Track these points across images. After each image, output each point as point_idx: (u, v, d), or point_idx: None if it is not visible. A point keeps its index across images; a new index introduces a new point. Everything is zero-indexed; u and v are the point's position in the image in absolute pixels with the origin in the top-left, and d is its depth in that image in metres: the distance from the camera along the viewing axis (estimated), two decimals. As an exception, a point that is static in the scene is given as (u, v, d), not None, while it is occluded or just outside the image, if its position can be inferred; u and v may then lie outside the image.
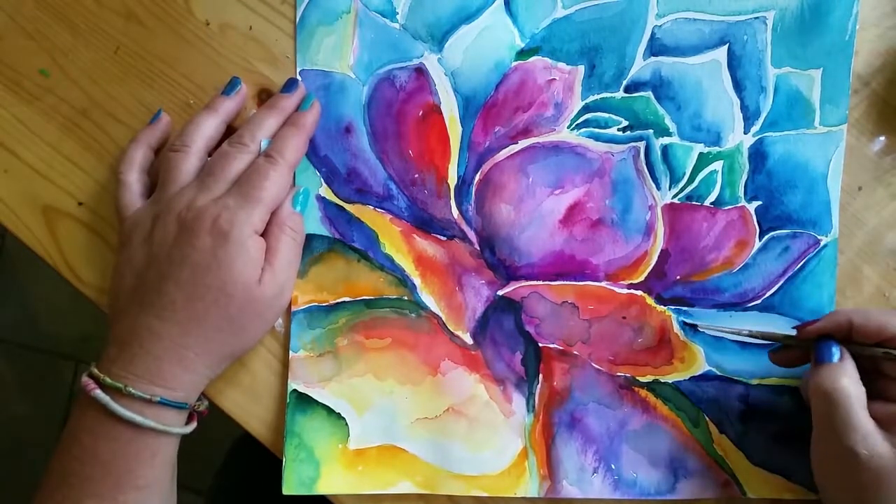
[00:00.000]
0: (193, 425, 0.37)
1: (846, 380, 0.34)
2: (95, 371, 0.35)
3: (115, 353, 0.35)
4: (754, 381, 0.41)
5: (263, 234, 0.37)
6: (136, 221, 0.38)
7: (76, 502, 0.34)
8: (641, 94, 0.41)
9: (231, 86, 0.40)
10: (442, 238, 0.41)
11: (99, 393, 0.34)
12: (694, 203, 0.41)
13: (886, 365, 0.36)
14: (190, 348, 0.35)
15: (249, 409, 0.41)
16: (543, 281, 0.41)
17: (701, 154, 0.41)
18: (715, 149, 0.41)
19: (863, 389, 0.35)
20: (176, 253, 0.35)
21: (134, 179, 0.39)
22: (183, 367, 0.35)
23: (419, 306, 0.41)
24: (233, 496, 0.61)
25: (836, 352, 0.36)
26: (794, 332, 0.38)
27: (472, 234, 0.41)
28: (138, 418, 0.34)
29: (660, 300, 0.41)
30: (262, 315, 0.37)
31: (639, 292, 0.41)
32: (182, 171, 0.38)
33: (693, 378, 0.41)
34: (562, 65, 0.41)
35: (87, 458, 0.34)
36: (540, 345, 0.41)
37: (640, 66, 0.41)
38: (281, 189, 0.37)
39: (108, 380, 0.34)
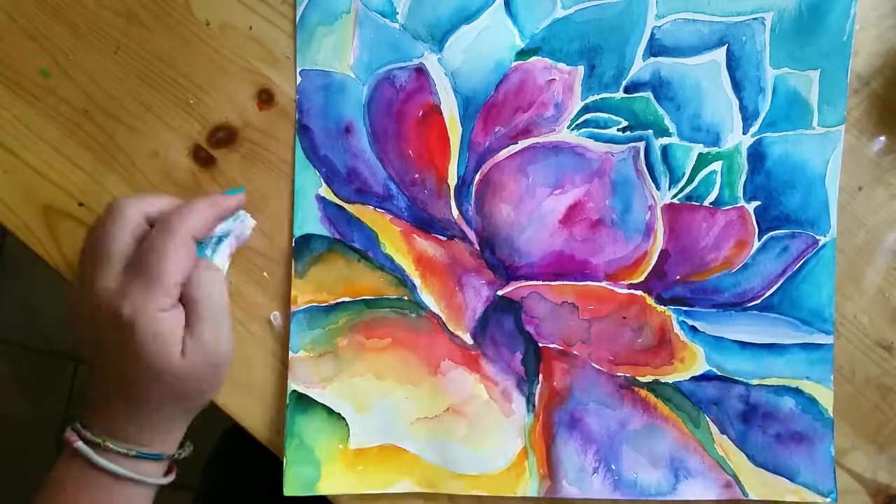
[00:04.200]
0: (172, 476, 0.39)
1: None
2: (78, 426, 0.37)
3: (93, 413, 0.37)
4: (754, 382, 0.41)
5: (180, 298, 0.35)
6: (78, 297, 0.37)
7: None
8: (641, 94, 0.41)
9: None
10: (442, 238, 0.41)
11: (81, 445, 0.36)
12: (693, 203, 0.41)
13: None
14: (152, 414, 0.37)
15: (249, 409, 0.41)
16: (543, 281, 0.41)
17: (700, 154, 0.41)
18: (714, 149, 0.41)
19: None
20: (101, 344, 0.36)
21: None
22: (151, 429, 0.37)
23: (419, 306, 0.41)
24: (224, 491, 0.61)
25: None
26: None
27: (472, 234, 0.41)
28: (118, 469, 0.36)
29: (660, 300, 0.41)
30: (205, 378, 0.37)
31: (639, 292, 0.41)
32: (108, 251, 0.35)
33: (693, 378, 0.41)
34: (562, 65, 0.41)
35: None
36: (540, 345, 0.41)
37: (640, 67, 0.41)
38: (180, 259, 0.35)
39: (88, 435, 0.36)
